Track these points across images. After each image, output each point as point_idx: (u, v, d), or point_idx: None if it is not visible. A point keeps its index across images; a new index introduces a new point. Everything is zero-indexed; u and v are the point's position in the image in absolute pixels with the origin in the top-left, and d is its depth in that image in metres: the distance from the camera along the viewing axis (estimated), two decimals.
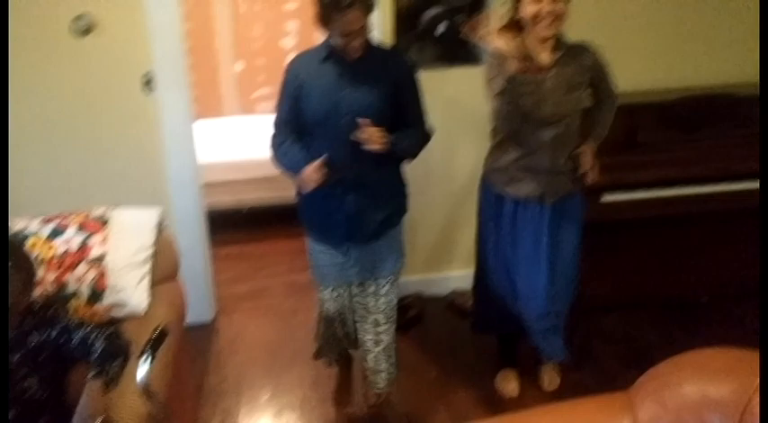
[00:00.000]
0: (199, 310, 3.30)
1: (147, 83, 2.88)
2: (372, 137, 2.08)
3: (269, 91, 5.41)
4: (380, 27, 2.95)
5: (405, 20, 3.05)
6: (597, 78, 2.35)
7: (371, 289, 2.38)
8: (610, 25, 3.11)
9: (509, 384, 2.77)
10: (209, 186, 4.21)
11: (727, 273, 3.17)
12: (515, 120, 2.25)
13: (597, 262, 2.90)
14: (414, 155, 2.33)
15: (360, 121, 2.07)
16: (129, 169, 3.03)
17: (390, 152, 2.15)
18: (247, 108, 5.50)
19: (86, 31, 2.75)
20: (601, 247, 2.85)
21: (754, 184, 2.87)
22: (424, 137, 2.33)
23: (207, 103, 5.42)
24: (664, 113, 2.93)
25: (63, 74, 2.84)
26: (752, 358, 1.47)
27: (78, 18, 2.73)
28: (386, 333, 2.43)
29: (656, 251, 3.13)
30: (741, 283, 3.20)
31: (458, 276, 3.47)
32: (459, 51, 3.09)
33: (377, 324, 2.41)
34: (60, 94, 2.87)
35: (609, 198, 2.81)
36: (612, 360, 2.92)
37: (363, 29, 2.07)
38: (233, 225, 4.58)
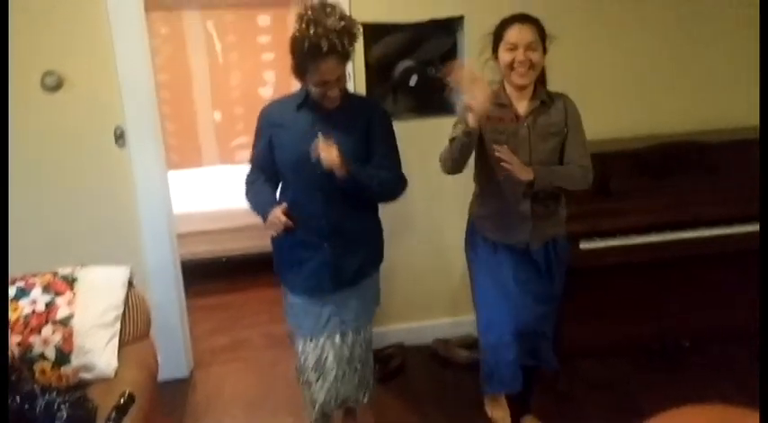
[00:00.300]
0: (174, 364, 3.23)
1: (120, 136, 2.86)
2: (329, 152, 1.99)
3: (247, 140, 5.39)
4: (354, 79, 2.97)
5: (378, 72, 3.08)
6: (570, 131, 2.32)
7: (349, 340, 2.33)
8: (582, 75, 3.18)
9: (498, 411, 2.69)
10: (188, 236, 4.19)
11: (707, 317, 3.17)
12: (457, 166, 2.22)
13: (578, 308, 2.90)
14: (383, 194, 2.26)
15: (319, 135, 2.02)
16: (103, 222, 2.99)
17: (352, 181, 2.08)
18: (226, 157, 5.50)
19: (56, 86, 2.76)
20: (581, 293, 2.85)
21: (726, 230, 2.90)
22: (397, 180, 2.26)
23: (186, 153, 5.43)
24: (635, 161, 2.96)
25: (35, 128, 2.83)
26: (733, 414, 1.43)
27: (48, 74, 2.74)
28: (361, 370, 2.39)
29: (636, 296, 3.12)
30: (721, 327, 3.20)
31: (440, 324, 3.43)
32: (433, 102, 3.12)
33: (354, 369, 2.37)
34: (32, 148, 2.85)
35: (587, 245, 2.82)
36: (596, 407, 2.86)
37: (340, 78, 2.08)
38: (212, 275, 4.53)
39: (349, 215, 2.21)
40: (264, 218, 2.19)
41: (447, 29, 3.10)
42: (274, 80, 5.41)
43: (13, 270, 2.23)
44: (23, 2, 2.70)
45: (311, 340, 2.31)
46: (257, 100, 5.41)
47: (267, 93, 5.44)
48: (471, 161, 2.34)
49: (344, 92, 2.18)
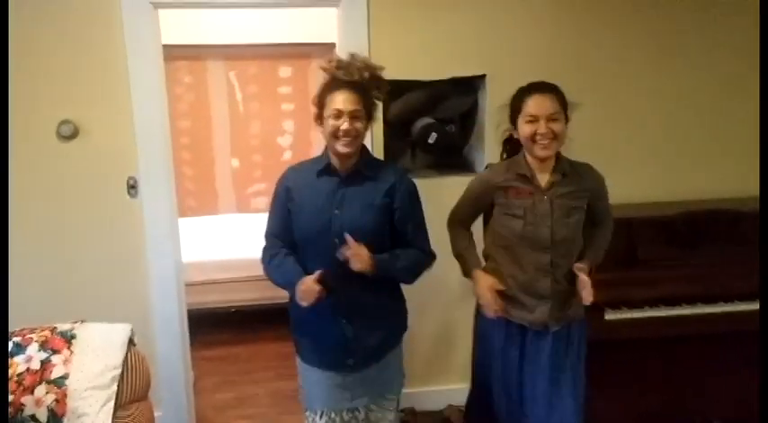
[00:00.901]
0: (176, 420, 3.11)
1: (132, 187, 2.82)
2: (358, 255, 1.95)
3: (264, 187, 5.41)
4: (372, 135, 2.92)
5: (396, 129, 3.03)
6: (594, 200, 2.25)
7: (373, 412, 2.18)
8: (608, 137, 3.11)
9: None
10: (199, 285, 4.13)
11: (738, 396, 2.98)
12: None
13: (602, 381, 2.71)
14: (411, 278, 2.17)
15: (346, 236, 1.96)
16: (110, 270, 2.92)
17: (380, 275, 2.01)
18: (242, 205, 5.48)
19: (72, 135, 2.74)
20: (605, 365, 2.67)
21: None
22: (424, 259, 2.17)
23: (203, 198, 5.42)
24: (664, 229, 2.83)
25: (48, 175, 2.80)
26: None
27: (64, 123, 2.72)
28: None
29: (663, 371, 2.95)
30: (754, 408, 3.01)
31: (454, 390, 3.25)
32: (451, 160, 3.06)
33: None
34: (44, 194, 2.82)
35: (612, 316, 2.67)
36: None
37: (356, 116, 1.99)
38: (221, 325, 4.44)
39: (368, 290, 2.07)
40: (292, 289, 2.02)
41: (468, 87, 3.06)
42: (293, 129, 5.43)
43: (17, 316, 2.17)
44: (42, 49, 2.70)
45: (323, 416, 2.17)
46: (276, 148, 5.42)
47: (286, 142, 5.46)
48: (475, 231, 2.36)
49: (365, 152, 2.12)
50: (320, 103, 2.05)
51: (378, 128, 2.94)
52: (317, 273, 1.96)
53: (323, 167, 2.08)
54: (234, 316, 4.47)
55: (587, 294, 2.13)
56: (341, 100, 1.98)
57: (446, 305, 3.21)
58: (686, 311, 2.71)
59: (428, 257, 2.18)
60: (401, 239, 2.11)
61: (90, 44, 2.74)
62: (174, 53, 4.97)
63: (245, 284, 4.35)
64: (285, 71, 5.35)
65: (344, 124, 1.98)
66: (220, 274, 4.35)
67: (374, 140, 2.94)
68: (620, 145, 3.16)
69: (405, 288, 2.30)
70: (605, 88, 3.10)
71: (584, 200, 2.20)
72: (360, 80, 2.02)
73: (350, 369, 2.13)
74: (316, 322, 2.10)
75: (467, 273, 2.32)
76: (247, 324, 4.44)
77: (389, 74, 2.89)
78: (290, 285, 2.02)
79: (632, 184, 3.12)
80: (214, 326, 4.41)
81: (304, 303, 1.95)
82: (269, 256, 2.12)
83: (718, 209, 2.92)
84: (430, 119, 3.03)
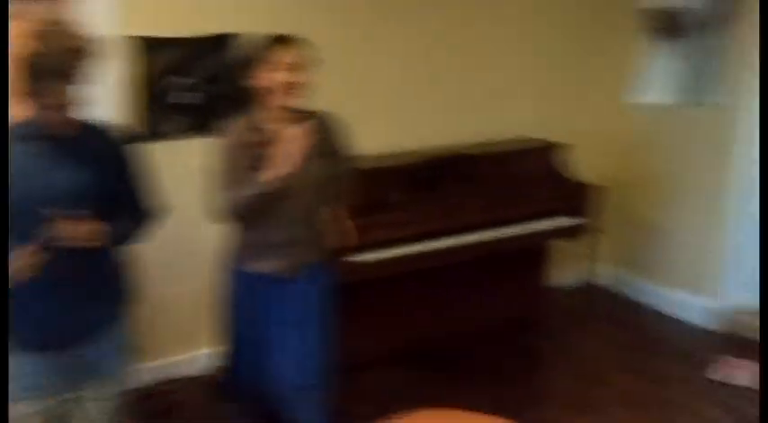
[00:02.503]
0: None
1: None
2: (78, 232, 1.71)
3: None
4: (118, 95, 2.78)
5: (148, 88, 2.87)
6: (328, 146, 2.29)
7: (91, 393, 1.96)
8: (354, 91, 3.20)
9: None
10: None
11: (481, 320, 3.38)
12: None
13: (353, 320, 2.79)
14: (133, 239, 1.98)
15: (53, 213, 1.68)
16: None
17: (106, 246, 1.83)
18: None
19: None
20: (355, 305, 2.79)
21: (493, 234, 3.13)
22: (144, 217, 1.99)
23: None
24: (409, 174, 3.07)
25: None
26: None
27: None
28: None
29: (412, 304, 3.22)
30: (495, 328, 3.45)
31: (210, 354, 3.07)
32: (208, 121, 2.97)
33: None
34: None
35: (359, 257, 2.79)
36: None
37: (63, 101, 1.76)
38: None
39: (79, 259, 1.81)
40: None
41: (224, 45, 3.00)
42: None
43: None
44: None
45: (39, 403, 1.88)
46: None
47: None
48: None
49: (74, 119, 1.84)
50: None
51: (127, 88, 2.79)
52: (37, 241, 1.69)
53: (27, 131, 1.80)
54: None
55: (338, 238, 2.24)
56: (57, 94, 1.72)
57: (195, 269, 3.04)
58: (429, 246, 2.96)
59: (147, 215, 2.02)
60: (118, 198, 1.93)
61: None
62: None
63: None
64: None
65: (55, 113, 1.77)
66: None
67: (124, 100, 2.79)
68: (362, 99, 3.23)
69: (151, 253, 2.19)
70: (349, 43, 3.19)
71: (317, 146, 2.19)
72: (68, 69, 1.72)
73: (62, 347, 1.89)
74: (16, 295, 1.78)
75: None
76: None
77: (139, 30, 2.74)
78: None
79: (379, 136, 3.21)
80: None
81: (21, 277, 1.72)
82: None
83: (456, 154, 3.21)
84: (187, 78, 2.93)
